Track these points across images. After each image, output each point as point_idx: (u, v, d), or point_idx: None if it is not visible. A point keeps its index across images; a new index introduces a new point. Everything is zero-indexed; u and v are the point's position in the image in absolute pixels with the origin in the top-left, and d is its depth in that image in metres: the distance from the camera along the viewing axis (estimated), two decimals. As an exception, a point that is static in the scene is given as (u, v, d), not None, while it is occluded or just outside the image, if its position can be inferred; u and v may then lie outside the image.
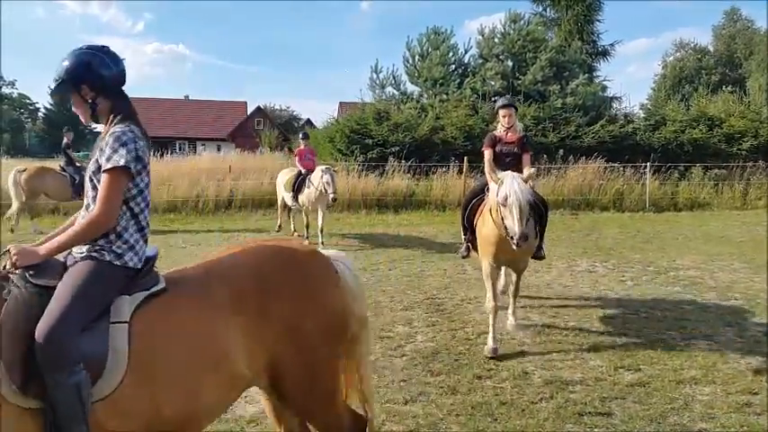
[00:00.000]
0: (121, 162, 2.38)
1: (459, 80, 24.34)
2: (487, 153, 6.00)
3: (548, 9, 27.85)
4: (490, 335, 5.33)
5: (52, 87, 2.60)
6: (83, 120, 2.68)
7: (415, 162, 18.56)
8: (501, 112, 6.05)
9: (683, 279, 8.37)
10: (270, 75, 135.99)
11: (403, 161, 18.35)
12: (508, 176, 5.12)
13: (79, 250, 2.43)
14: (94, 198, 2.44)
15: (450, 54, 25.05)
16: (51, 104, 67.60)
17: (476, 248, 6.15)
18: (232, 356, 2.37)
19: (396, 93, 25.61)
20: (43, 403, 2.10)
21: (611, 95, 25.15)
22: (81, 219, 2.48)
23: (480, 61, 25.16)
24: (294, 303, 2.51)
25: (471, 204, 6.20)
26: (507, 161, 5.92)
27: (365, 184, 17.26)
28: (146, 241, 2.61)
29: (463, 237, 6.50)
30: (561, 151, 19.39)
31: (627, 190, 18.29)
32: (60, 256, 2.44)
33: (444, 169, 18.10)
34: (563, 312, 6.67)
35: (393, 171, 18.07)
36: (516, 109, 6.15)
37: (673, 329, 5.99)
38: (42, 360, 2.09)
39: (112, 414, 2.18)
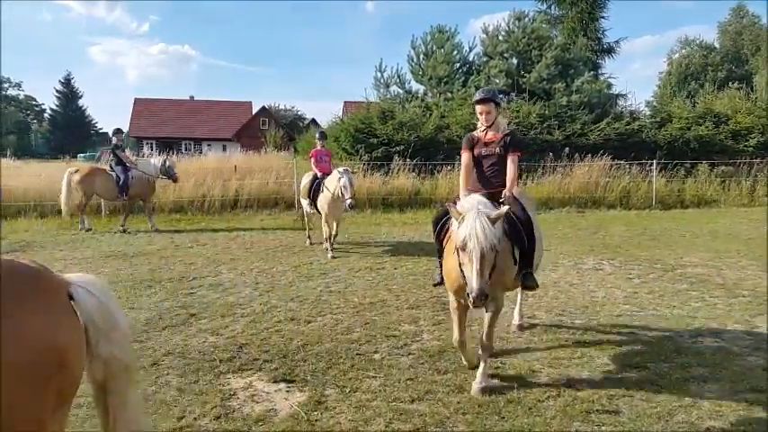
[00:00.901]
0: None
1: (463, 78, 24.32)
2: (464, 157, 4.95)
3: (552, 7, 27.80)
4: (480, 372, 4.46)
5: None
6: None
7: (421, 160, 18.56)
8: (477, 108, 4.94)
9: (691, 276, 8.34)
10: (274, 75, 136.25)
11: (408, 160, 18.36)
12: (471, 214, 3.95)
13: None
14: None
15: (455, 52, 25.04)
16: (57, 106, 67.87)
17: None
18: None
19: (400, 92, 25.64)
20: None
21: (616, 93, 25.10)
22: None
23: (485, 59, 25.13)
24: None
25: (443, 221, 4.79)
26: (489, 166, 4.90)
27: (370, 182, 17.28)
28: None
29: (438, 259, 5.04)
30: (567, 149, 19.37)
31: (633, 187, 18.26)
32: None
33: (449, 168, 18.09)
34: (570, 310, 6.66)
35: (398, 170, 18.09)
36: (497, 103, 4.94)
37: (680, 327, 5.96)
38: None
39: None
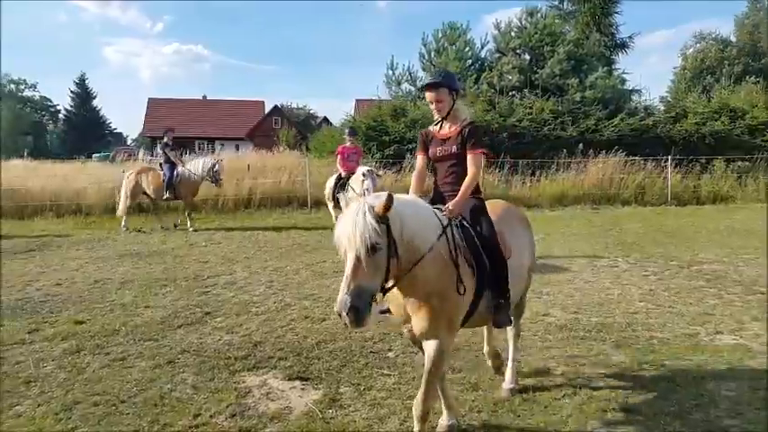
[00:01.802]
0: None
1: (475, 75, 24.25)
2: (417, 162, 4.09)
3: (564, 2, 27.63)
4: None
5: None
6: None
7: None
8: (427, 96, 3.95)
9: (707, 273, 8.25)
10: (287, 74, 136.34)
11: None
12: (352, 206, 3.12)
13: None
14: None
15: (467, 49, 24.99)
16: (71, 106, 68.47)
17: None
18: None
19: (412, 89, 25.59)
20: None
21: (630, 88, 24.94)
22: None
23: (497, 56, 25.07)
24: None
25: None
26: (446, 169, 3.91)
27: (383, 181, 17.22)
28: None
29: None
30: (581, 145, 19.27)
31: (648, 184, 18.13)
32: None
33: (462, 165, 18.02)
34: (585, 308, 6.61)
35: (410, 168, 18.04)
36: (453, 90, 3.90)
37: (697, 324, 5.91)
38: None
39: None
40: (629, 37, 27.20)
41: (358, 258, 2.93)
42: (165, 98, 57.37)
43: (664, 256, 9.54)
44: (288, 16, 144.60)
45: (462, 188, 3.71)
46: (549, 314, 6.38)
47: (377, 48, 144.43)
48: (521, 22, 25.03)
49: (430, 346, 3.42)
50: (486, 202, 4.04)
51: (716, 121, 20.60)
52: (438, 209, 3.56)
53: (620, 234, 12.07)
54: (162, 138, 14.02)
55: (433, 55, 25.53)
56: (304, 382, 4.55)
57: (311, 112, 66.60)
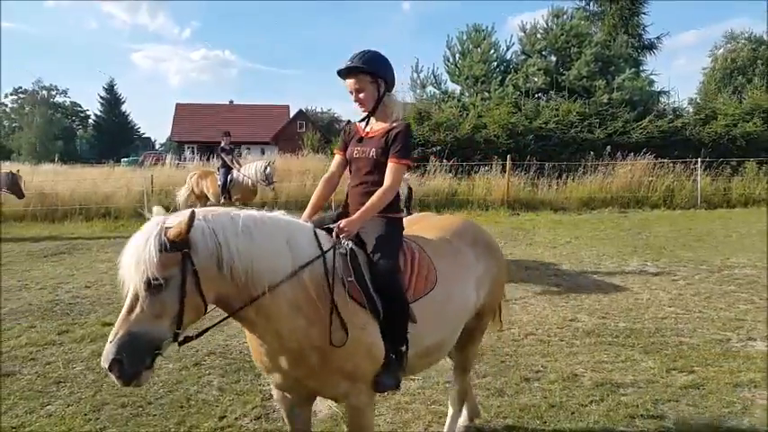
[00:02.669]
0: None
1: (500, 77, 24.16)
2: (333, 161, 3.32)
3: (591, 3, 27.34)
4: None
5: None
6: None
7: (457, 161, 18.46)
8: (347, 85, 3.08)
9: (739, 278, 8.07)
10: (312, 78, 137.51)
11: (444, 160, 18.27)
12: (145, 226, 2.40)
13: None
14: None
15: (492, 51, 24.90)
16: (101, 111, 69.74)
17: None
18: None
19: (436, 92, 25.59)
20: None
21: (658, 90, 24.62)
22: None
23: (522, 57, 24.94)
24: None
25: None
26: (361, 176, 3.09)
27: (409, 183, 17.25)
28: None
29: None
30: (608, 148, 19.07)
31: (677, 187, 17.83)
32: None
33: (487, 168, 17.94)
34: (613, 313, 6.51)
35: (434, 171, 18.02)
36: (380, 78, 3.03)
37: (728, 330, 5.78)
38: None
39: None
40: (658, 38, 26.84)
41: (136, 296, 2.26)
42: (192, 103, 58.21)
43: (693, 261, 9.36)
44: (312, 20, 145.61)
45: (367, 204, 2.88)
46: (576, 319, 6.30)
47: (401, 50, 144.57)
48: (546, 24, 24.89)
49: (353, 401, 2.76)
50: (438, 218, 3.61)
51: (747, 122, 20.20)
52: (328, 227, 2.84)
53: (649, 238, 11.88)
54: (221, 141, 13.93)
55: (457, 57, 25.48)
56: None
57: (335, 115, 66.91)
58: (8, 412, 4.17)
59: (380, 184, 2.95)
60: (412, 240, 3.12)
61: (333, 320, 2.55)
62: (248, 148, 50.79)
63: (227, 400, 4.31)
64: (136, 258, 2.25)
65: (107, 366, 2.20)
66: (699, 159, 18.14)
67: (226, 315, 2.56)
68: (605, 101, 21.50)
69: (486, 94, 23.64)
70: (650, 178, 17.89)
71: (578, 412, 4.04)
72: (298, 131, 51.69)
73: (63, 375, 4.83)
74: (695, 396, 4.25)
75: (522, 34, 25.40)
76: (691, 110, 23.44)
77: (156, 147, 75.92)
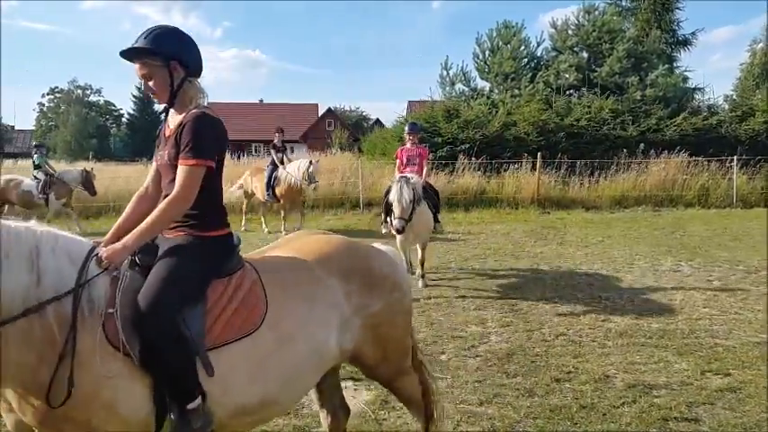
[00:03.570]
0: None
1: (531, 74, 23.90)
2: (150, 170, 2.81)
3: (623, -1, 26.88)
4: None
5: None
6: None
7: (486, 159, 18.31)
8: (135, 71, 2.61)
9: (777, 279, 7.87)
10: (341, 76, 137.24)
11: (473, 158, 18.14)
12: None
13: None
14: None
15: (522, 48, 24.66)
16: (133, 110, 70.92)
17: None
18: None
19: (466, 89, 25.43)
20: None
21: (693, 86, 24.06)
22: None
23: (553, 54, 24.65)
24: None
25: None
26: (165, 183, 2.60)
27: (434, 182, 17.08)
28: None
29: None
30: (642, 145, 18.74)
31: (712, 185, 17.44)
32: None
33: (517, 166, 17.77)
34: (646, 314, 6.40)
35: (463, 169, 17.90)
36: (174, 59, 2.55)
37: (765, 332, 5.62)
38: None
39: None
40: (692, 33, 26.24)
41: None
42: (223, 102, 58.96)
43: (729, 261, 9.15)
44: (341, 19, 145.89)
45: (146, 221, 2.35)
46: (608, 320, 6.20)
47: (431, 48, 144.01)
48: (578, 20, 24.53)
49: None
50: (314, 238, 2.94)
51: (787, 119, 19.66)
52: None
53: (684, 237, 11.65)
54: (275, 137, 13.95)
55: (487, 54, 25.29)
56: (356, 383, 4.55)
57: (364, 114, 67.10)
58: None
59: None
60: (251, 266, 2.56)
61: (59, 368, 2.03)
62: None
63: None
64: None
65: None
66: (735, 157, 17.69)
67: None
68: (638, 98, 21.13)
69: (516, 91, 23.40)
70: (684, 176, 17.54)
71: (610, 414, 3.98)
72: (326, 130, 52.00)
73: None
74: (732, 400, 4.15)
75: (553, 30, 25.10)
76: (726, 107, 22.87)
77: (188, 145, 76.64)
